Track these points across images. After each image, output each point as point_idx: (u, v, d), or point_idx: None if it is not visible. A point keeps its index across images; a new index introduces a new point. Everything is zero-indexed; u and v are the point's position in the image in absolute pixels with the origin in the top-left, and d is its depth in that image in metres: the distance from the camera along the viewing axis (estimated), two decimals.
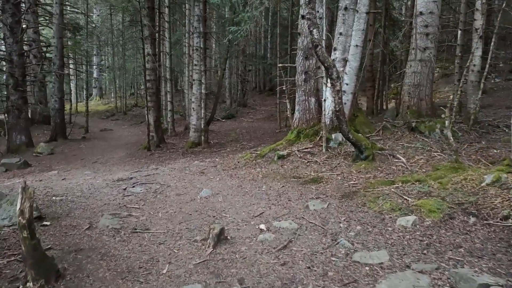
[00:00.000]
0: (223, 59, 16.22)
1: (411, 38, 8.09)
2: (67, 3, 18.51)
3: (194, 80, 11.71)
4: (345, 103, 7.09)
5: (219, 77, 15.03)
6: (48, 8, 18.93)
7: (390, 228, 3.88)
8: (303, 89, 7.48)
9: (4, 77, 15.29)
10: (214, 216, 4.60)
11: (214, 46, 21.34)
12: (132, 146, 14.21)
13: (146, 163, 10.40)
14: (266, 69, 22.54)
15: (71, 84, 24.66)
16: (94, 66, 25.12)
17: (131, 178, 7.03)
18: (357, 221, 4.12)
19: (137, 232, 4.14)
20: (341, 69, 7.05)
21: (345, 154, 6.45)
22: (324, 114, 6.94)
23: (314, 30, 5.45)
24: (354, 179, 5.42)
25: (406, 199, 4.44)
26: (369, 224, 4.02)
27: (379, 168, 5.68)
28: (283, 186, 5.61)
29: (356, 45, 6.85)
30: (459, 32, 8.74)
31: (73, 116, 20.00)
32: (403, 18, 13.75)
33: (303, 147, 7.06)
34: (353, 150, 6.36)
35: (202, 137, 11.62)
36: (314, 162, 6.47)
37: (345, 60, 7.05)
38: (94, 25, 17.47)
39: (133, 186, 6.21)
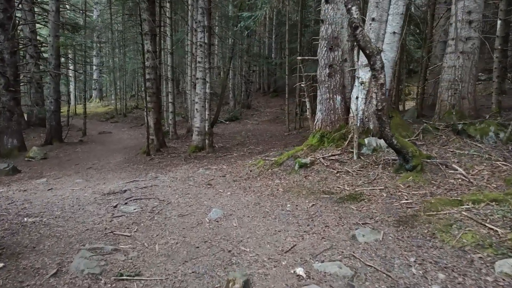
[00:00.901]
0: (227, 59, 14.92)
1: (449, 27, 6.79)
2: (63, 1, 17.22)
3: (197, 78, 10.40)
4: None
5: (223, 77, 13.73)
6: (46, 6, 17.63)
7: (489, 279, 2.58)
8: (327, 85, 6.18)
9: None
10: (229, 251, 3.28)
11: (217, 45, 20.04)
12: (131, 150, 12.89)
13: (144, 169, 9.08)
14: (271, 70, 21.24)
15: (70, 85, 23.36)
16: (94, 67, 23.82)
17: (125, 190, 5.71)
18: (434, 264, 2.81)
19: (123, 279, 2.83)
20: None
21: (383, 163, 5.14)
22: (356, 115, 5.63)
23: (353, 8, 4.15)
24: (405, 197, 4.11)
25: (491, 228, 3.14)
26: (455, 269, 2.71)
27: (433, 182, 4.37)
28: (313, 204, 4.29)
29: (394, 32, 5.55)
30: (499, 22, 7.45)
31: (71, 118, 18.67)
32: (422, 9, 12.45)
33: (329, 154, 5.75)
34: (393, 157, 5.06)
35: (206, 141, 10.31)
36: (346, 172, 5.16)
37: None
38: (92, 22, 16.18)
39: (126, 203, 4.89)
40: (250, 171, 6.27)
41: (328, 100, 6.19)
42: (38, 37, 18.09)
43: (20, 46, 16.10)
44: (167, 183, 6.08)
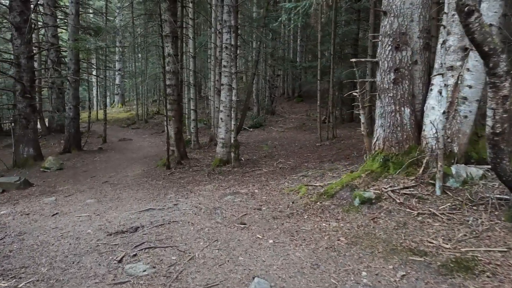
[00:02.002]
0: (253, 62, 13.54)
1: None
2: (85, 4, 16.26)
3: (222, 84, 9.04)
4: (465, 116, 4.23)
5: (249, 82, 12.33)
6: (67, 10, 16.75)
7: None
8: (391, 94, 4.67)
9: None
10: None
11: (239, 48, 18.70)
12: (150, 160, 11.65)
13: (163, 187, 7.77)
14: (295, 74, 19.73)
15: (93, 90, 22.58)
16: (117, 72, 22.94)
17: (136, 228, 4.35)
18: None
19: None
20: (458, 63, 4.21)
21: (484, 204, 3.59)
22: (436, 133, 4.09)
23: None
24: None
25: None
26: None
27: None
28: (404, 275, 2.79)
29: (490, 25, 3.99)
30: None
31: (93, 124, 17.72)
32: None
33: (400, 186, 4.24)
34: (499, 196, 3.51)
35: (232, 154, 8.92)
36: (431, 215, 3.63)
37: (464, 49, 4.20)
38: (114, 25, 15.14)
39: (135, 254, 3.53)
40: (292, 202, 4.81)
41: (393, 114, 4.67)
42: (60, 42, 17.21)
43: (39, 51, 15.22)
44: (189, 217, 4.69)
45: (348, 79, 14.23)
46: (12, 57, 11.94)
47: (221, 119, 9.16)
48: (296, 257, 3.25)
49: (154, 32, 13.36)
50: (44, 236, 4.55)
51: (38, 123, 16.83)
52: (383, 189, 4.21)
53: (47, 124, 17.28)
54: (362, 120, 5.18)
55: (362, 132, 5.21)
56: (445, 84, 3.92)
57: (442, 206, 3.73)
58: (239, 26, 8.47)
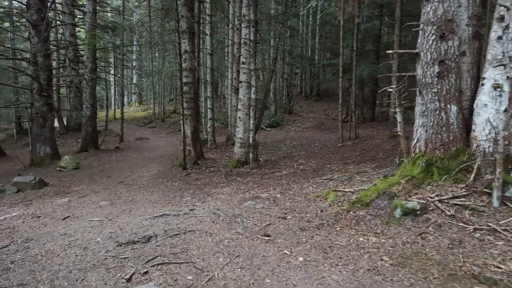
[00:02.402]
0: (271, 60, 13.00)
1: None
2: (103, 3, 16.06)
3: (241, 82, 8.55)
4: None
5: (267, 80, 11.81)
6: (85, 9, 16.60)
7: None
8: (435, 90, 4.06)
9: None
10: None
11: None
12: (166, 160, 11.29)
13: (179, 189, 7.35)
14: (313, 72, 19.07)
15: (111, 89, 22.50)
16: (134, 71, 22.79)
17: (149, 238, 3.90)
18: None
19: None
20: None
21: None
22: (490, 135, 3.48)
23: None
24: None
25: None
26: None
27: None
28: None
29: None
30: None
31: (110, 122, 17.55)
32: None
33: (448, 194, 3.64)
34: None
35: (251, 155, 8.42)
36: (491, 232, 3.03)
37: None
38: (131, 23, 14.87)
39: (146, 271, 3.07)
40: (321, 211, 4.26)
41: (437, 112, 4.06)
42: (78, 41, 17.10)
43: (56, 49, 15.10)
44: (207, 225, 4.21)
45: (370, 76, 13.55)
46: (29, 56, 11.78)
47: (239, 118, 8.67)
48: (333, 281, 2.71)
49: (170, 29, 12.98)
50: (51, 244, 4.16)
51: (56, 122, 16.78)
52: (428, 198, 3.61)
53: (65, 123, 17.21)
54: (399, 119, 4.58)
55: (399, 133, 4.61)
56: (507, 77, 3.30)
57: (504, 221, 3.12)
58: (263, 19, 7.94)
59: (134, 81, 22.80)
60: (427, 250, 2.98)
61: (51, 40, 13.74)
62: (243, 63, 8.42)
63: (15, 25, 16.43)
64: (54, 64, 15.22)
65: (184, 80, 8.95)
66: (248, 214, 4.53)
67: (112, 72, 19.18)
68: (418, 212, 3.47)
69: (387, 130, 12.79)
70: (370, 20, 13.98)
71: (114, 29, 15.13)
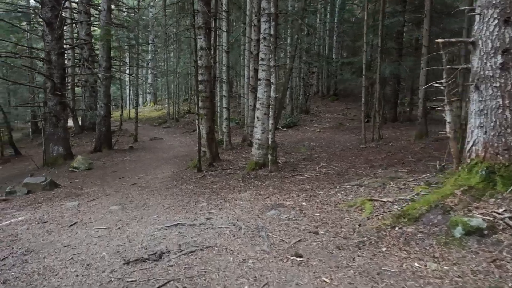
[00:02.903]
0: (289, 57, 12.35)
1: None
2: (118, 1, 15.71)
3: (259, 79, 7.95)
4: None
5: (285, 78, 11.17)
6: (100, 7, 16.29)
7: None
8: (497, 84, 3.38)
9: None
10: None
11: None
12: (181, 160, 10.79)
13: (194, 193, 6.80)
14: (331, 71, 18.33)
15: (126, 89, 22.24)
16: (149, 71, 22.48)
17: (161, 255, 3.34)
18: None
19: None
20: None
21: None
22: None
23: None
24: None
25: None
26: None
27: None
28: None
29: None
30: None
31: (124, 122, 17.21)
32: None
33: None
34: None
35: (269, 157, 7.81)
36: None
37: None
38: (145, 21, 14.47)
39: None
40: (359, 225, 3.62)
41: (499, 110, 3.38)
42: (94, 41, 16.81)
43: (70, 47, 14.82)
44: (226, 239, 3.62)
45: (392, 75, 12.76)
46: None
47: (257, 117, 8.07)
48: None
49: (185, 25, 12.47)
50: (52, 258, 3.65)
51: (71, 121, 16.54)
52: (495, 214, 2.94)
53: (80, 123, 16.95)
54: (449, 118, 3.88)
55: (448, 134, 3.91)
56: None
57: None
58: (283, 12, 7.32)
59: (149, 80, 22.49)
60: (510, 285, 2.31)
61: (66, 38, 13.44)
62: (262, 59, 7.82)
63: (32, 24, 16.26)
64: (69, 63, 14.96)
65: (200, 78, 8.41)
66: (273, 226, 3.92)
67: (127, 71, 18.87)
68: (485, 232, 2.81)
69: (410, 131, 11.98)
70: (392, 16, 13.19)
71: (128, 27, 14.75)
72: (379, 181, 5.39)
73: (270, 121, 7.69)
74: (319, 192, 5.56)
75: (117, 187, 8.16)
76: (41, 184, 8.29)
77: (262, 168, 8.07)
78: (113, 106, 23.47)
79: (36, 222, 5.52)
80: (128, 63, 18.10)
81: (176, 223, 4.46)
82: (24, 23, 16.19)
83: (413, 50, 13.58)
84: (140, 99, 23.67)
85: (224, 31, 10.34)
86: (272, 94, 7.55)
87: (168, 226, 4.39)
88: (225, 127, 11.13)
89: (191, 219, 4.71)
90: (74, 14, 16.27)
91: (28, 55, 13.44)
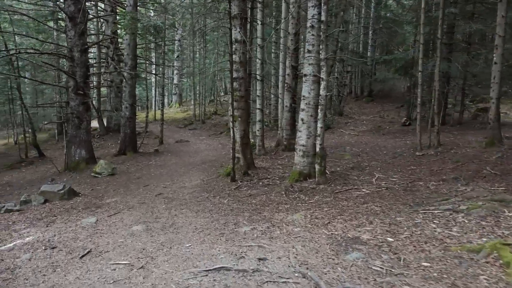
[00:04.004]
0: (331, 52, 10.88)
1: None
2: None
3: (305, 75, 6.57)
4: None
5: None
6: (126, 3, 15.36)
7: None
8: None
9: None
10: None
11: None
12: (210, 166, 9.56)
13: (231, 210, 5.52)
14: (365, 71, 16.70)
15: (152, 90, 21.38)
16: (175, 72, 21.53)
17: None
18: None
19: None
20: None
21: None
22: None
23: None
24: None
25: None
26: None
27: None
28: None
29: None
30: None
31: (150, 124, 16.22)
32: None
33: None
34: None
35: (317, 166, 6.41)
36: None
37: None
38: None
39: None
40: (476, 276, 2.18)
41: None
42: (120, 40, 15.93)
43: (93, 43, 13.90)
44: None
45: (441, 73, 11.08)
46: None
47: (302, 120, 6.70)
48: None
49: (217, 14, 11.22)
50: None
51: (97, 122, 15.70)
52: None
53: (105, 124, 16.09)
54: None
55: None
56: None
57: None
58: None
59: (175, 81, 21.55)
60: None
61: (90, 34, 12.50)
62: (309, 51, 6.44)
63: (58, 23, 15.54)
64: (93, 61, 14.08)
65: (235, 74, 7.12)
66: (355, 278, 2.53)
67: (153, 71, 17.92)
68: None
69: (466, 135, 10.27)
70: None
71: (157, 29, 13.68)
72: (483, 206, 3.89)
73: (319, 125, 6.29)
74: (398, 219, 4.12)
75: (141, 198, 6.99)
76: (58, 193, 7.25)
77: (307, 179, 6.69)
78: (139, 107, 22.66)
79: (43, 247, 4.38)
80: (154, 62, 17.13)
81: (217, 266, 3.15)
82: (51, 23, 15.48)
83: (465, 45, 11.82)
84: (165, 100, 22.75)
85: (259, 23, 8.99)
86: (322, 92, 6.15)
87: (208, 270, 3.09)
88: (258, 130, 9.82)
89: (236, 256, 3.41)
90: (98, 12, 15.42)
91: (49, 52, 12.56)
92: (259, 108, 9.71)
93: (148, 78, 18.50)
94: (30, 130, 13.25)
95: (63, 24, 15.04)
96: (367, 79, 16.86)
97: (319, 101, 6.26)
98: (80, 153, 9.93)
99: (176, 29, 16.51)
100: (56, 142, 15.71)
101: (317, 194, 6.01)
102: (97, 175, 9.24)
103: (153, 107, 21.39)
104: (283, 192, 6.24)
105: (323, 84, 6.15)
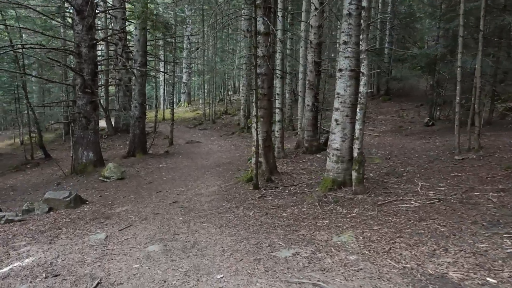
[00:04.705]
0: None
1: None
2: None
3: (340, 70, 5.70)
4: None
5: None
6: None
7: None
8: None
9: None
10: None
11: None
12: (225, 170, 8.72)
13: (260, 225, 4.70)
14: (382, 68, 15.74)
15: (160, 88, 20.60)
16: (184, 70, 20.73)
17: None
18: None
19: None
20: None
21: None
22: None
23: None
24: None
25: None
26: None
27: None
28: None
29: None
30: None
31: (159, 124, 15.41)
32: None
33: None
34: None
35: (354, 173, 5.54)
36: None
37: None
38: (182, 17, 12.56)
39: None
40: None
41: None
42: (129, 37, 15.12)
43: (102, 38, 13.10)
44: None
45: (471, 70, 10.13)
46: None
47: (336, 120, 5.82)
48: None
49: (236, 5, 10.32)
50: None
51: (105, 122, 14.92)
52: None
53: (113, 124, 15.30)
54: None
55: None
56: None
57: None
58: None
59: (184, 80, 20.76)
60: None
61: (98, 29, 11.68)
62: (345, 43, 5.56)
63: (65, 19, 14.74)
64: (101, 59, 13.27)
65: (258, 70, 6.27)
66: None
67: (161, 69, 17.11)
68: None
69: (501, 137, 9.34)
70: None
71: (166, 26, 12.82)
72: None
73: (357, 126, 5.42)
74: (480, 246, 3.26)
75: (154, 206, 6.18)
76: (64, 201, 6.45)
77: (342, 188, 5.82)
78: (148, 106, 21.86)
79: (44, 275, 3.59)
80: (163, 60, 16.31)
81: None
82: (58, 19, 14.67)
83: (497, 40, 10.83)
84: (174, 98, 21.95)
85: (279, 15, 8.11)
86: (363, 88, 5.27)
87: None
88: (277, 131, 8.97)
89: None
90: (107, 8, 14.60)
91: (56, 48, 11.77)
92: (278, 108, 8.85)
93: (156, 76, 17.67)
94: (36, 130, 12.47)
95: (70, 21, 14.27)
96: (383, 77, 15.91)
97: (359, 98, 5.39)
98: (87, 155, 9.14)
99: (185, 26, 15.66)
100: (63, 143, 14.95)
101: (356, 206, 5.15)
102: (105, 180, 8.44)
103: (161, 106, 20.59)
104: (317, 203, 5.38)
105: (363, 79, 5.28)
